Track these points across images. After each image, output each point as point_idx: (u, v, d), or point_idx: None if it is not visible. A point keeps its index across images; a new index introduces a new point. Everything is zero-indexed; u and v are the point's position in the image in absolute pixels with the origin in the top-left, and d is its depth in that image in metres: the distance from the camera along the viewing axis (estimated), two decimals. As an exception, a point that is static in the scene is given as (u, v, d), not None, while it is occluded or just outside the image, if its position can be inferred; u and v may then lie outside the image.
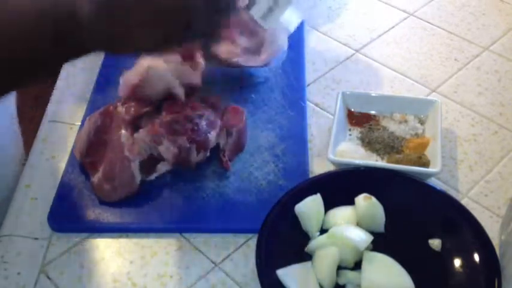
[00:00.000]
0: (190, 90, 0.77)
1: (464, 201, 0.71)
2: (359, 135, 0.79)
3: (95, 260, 0.67)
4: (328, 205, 0.68)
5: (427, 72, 0.89)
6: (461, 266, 0.63)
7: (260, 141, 0.78)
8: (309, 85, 0.87)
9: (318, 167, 0.75)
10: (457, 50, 0.93)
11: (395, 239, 0.66)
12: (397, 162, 0.73)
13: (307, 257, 0.64)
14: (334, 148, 0.74)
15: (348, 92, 0.80)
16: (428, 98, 0.84)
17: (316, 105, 0.84)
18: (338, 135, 0.76)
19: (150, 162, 0.72)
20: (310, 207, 0.66)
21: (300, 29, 0.95)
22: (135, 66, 0.77)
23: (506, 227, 0.63)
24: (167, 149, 0.71)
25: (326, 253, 0.63)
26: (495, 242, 0.64)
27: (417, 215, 0.67)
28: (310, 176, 0.73)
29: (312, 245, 0.65)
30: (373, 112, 0.81)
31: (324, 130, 0.80)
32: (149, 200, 0.71)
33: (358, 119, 0.80)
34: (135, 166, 0.71)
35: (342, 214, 0.68)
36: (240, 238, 0.68)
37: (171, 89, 0.74)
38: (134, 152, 0.71)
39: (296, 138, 0.78)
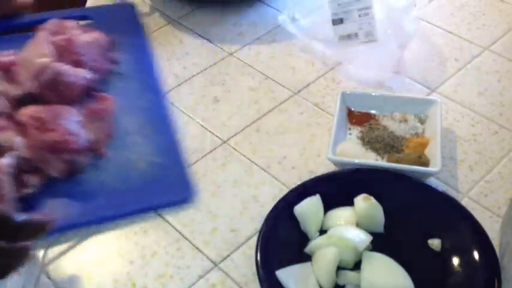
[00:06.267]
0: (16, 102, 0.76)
1: (464, 201, 0.71)
2: (359, 134, 0.79)
3: (95, 260, 0.67)
4: (328, 206, 0.68)
5: (427, 72, 0.89)
6: (461, 266, 0.63)
7: (127, 126, 0.79)
8: (309, 85, 0.87)
9: (318, 167, 0.75)
10: (457, 50, 0.93)
11: (395, 239, 0.66)
12: (397, 161, 0.73)
13: (307, 257, 0.64)
14: (334, 148, 0.74)
15: (348, 92, 0.80)
16: (428, 97, 0.84)
17: (316, 105, 0.84)
18: (338, 135, 0.76)
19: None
20: (309, 208, 0.66)
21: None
22: None
23: (506, 227, 0.63)
24: (53, 167, 0.71)
25: (326, 253, 0.63)
26: (495, 242, 0.64)
27: (417, 215, 0.67)
28: (310, 176, 0.73)
29: (311, 245, 0.65)
30: (373, 112, 0.81)
31: (324, 130, 0.80)
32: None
33: (358, 118, 0.80)
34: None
35: (341, 215, 0.68)
36: (240, 238, 0.68)
37: None
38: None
39: (160, 118, 0.80)
